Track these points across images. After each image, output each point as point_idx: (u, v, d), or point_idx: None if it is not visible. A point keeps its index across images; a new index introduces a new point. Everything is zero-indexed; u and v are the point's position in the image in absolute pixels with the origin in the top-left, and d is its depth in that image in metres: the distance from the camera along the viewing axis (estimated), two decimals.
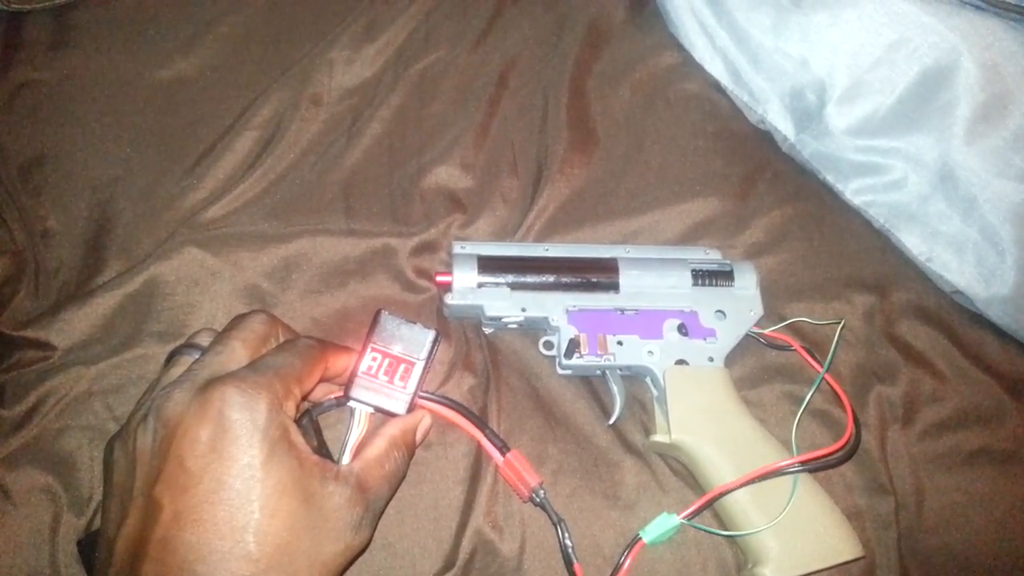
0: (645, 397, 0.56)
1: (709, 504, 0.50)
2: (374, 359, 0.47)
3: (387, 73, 0.67)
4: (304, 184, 0.61)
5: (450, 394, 0.52)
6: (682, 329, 0.55)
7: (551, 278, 0.56)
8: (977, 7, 0.57)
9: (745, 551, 0.50)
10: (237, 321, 0.44)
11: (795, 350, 0.57)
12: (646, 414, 0.55)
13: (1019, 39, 0.56)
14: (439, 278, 0.55)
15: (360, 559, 0.45)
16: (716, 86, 0.68)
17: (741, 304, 0.56)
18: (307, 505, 0.38)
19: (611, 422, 0.53)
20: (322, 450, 0.46)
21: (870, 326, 0.59)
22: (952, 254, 0.60)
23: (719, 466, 0.50)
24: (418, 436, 0.48)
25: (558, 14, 0.71)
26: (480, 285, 0.55)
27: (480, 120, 0.65)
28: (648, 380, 0.55)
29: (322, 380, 0.45)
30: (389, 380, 0.47)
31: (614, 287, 0.56)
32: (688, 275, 0.57)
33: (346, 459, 0.45)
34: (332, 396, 0.49)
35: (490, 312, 0.54)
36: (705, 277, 0.57)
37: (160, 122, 0.63)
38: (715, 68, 0.68)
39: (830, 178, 0.64)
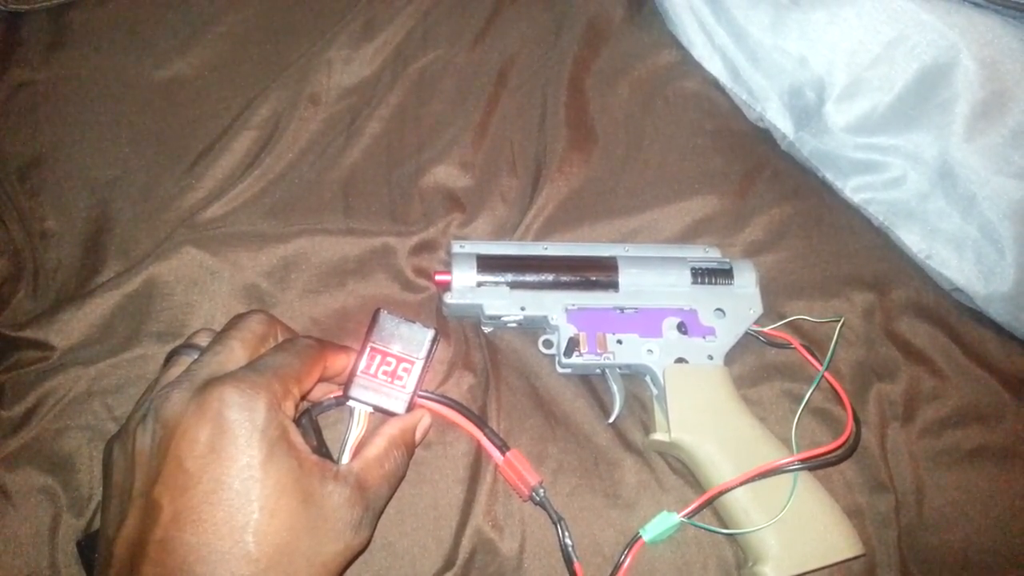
0: (645, 396, 0.55)
1: (709, 502, 0.50)
2: (373, 358, 0.47)
3: (386, 72, 0.66)
4: (303, 183, 0.61)
5: (449, 393, 0.52)
6: (681, 327, 0.55)
7: (550, 277, 0.56)
8: (976, 4, 0.57)
9: (745, 549, 0.50)
10: (236, 321, 0.44)
11: (795, 348, 0.57)
12: (646, 413, 0.55)
13: (1018, 36, 0.56)
14: (438, 277, 0.55)
15: (360, 559, 0.45)
16: (715, 84, 0.68)
17: (740, 302, 0.56)
18: (306, 505, 0.38)
19: (611, 421, 0.53)
20: (321, 450, 0.46)
21: (870, 324, 0.59)
22: (951, 251, 0.60)
23: (719, 464, 0.50)
24: (417, 435, 0.48)
25: (557, 13, 0.71)
26: (479, 284, 0.55)
27: (479, 119, 0.65)
28: (648, 379, 0.55)
29: (321, 380, 0.45)
30: (388, 379, 0.47)
31: (613, 286, 0.56)
32: (687, 273, 0.57)
33: (345, 459, 0.45)
34: (331, 395, 0.49)
35: (489, 311, 0.54)
36: (704, 275, 0.57)
37: (158, 122, 0.63)
38: (714, 66, 0.68)
39: (829, 176, 0.64)
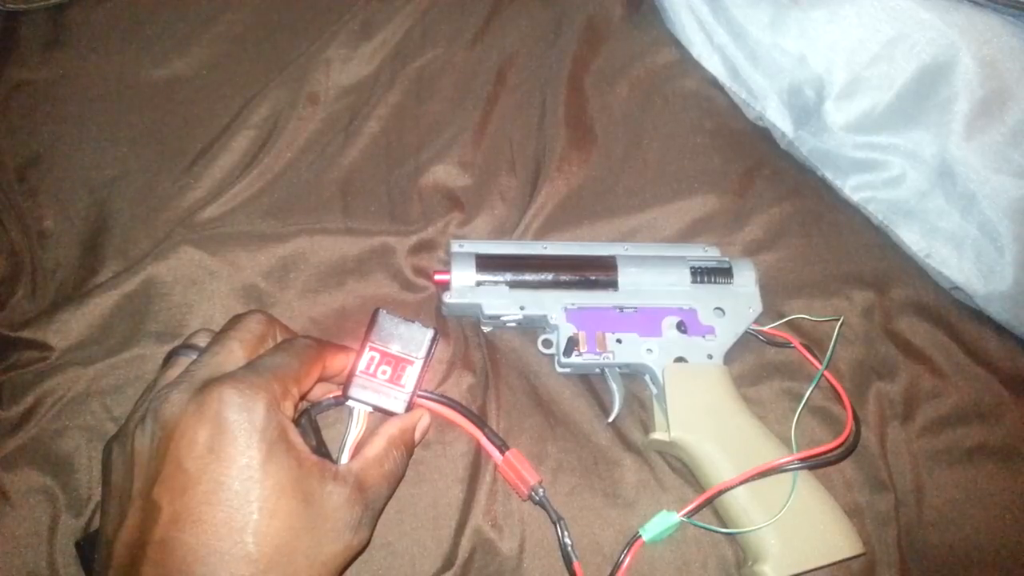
0: (644, 395, 0.55)
1: (709, 502, 0.50)
2: (372, 358, 0.47)
3: (384, 71, 0.66)
4: (302, 183, 0.61)
5: (449, 393, 0.52)
6: (681, 326, 0.55)
7: (550, 276, 0.56)
8: (976, 3, 0.57)
9: (745, 548, 0.50)
10: (234, 321, 0.44)
11: (794, 347, 0.57)
12: (645, 412, 0.55)
13: (1017, 35, 0.56)
14: (437, 277, 0.55)
15: (360, 558, 0.45)
16: (714, 83, 0.68)
17: (740, 301, 0.56)
18: (306, 505, 0.38)
19: (610, 420, 0.53)
20: (321, 450, 0.46)
21: (869, 322, 0.59)
22: (951, 250, 0.60)
23: (718, 464, 0.50)
24: (417, 435, 0.48)
25: (556, 12, 0.71)
26: (478, 283, 0.55)
27: (478, 118, 0.65)
28: (647, 378, 0.55)
29: (320, 380, 0.45)
30: (388, 379, 0.47)
31: (613, 285, 0.56)
32: (687, 272, 0.57)
33: (345, 459, 0.45)
34: (331, 395, 0.49)
35: (489, 310, 0.54)
36: (704, 274, 0.57)
37: (157, 122, 0.63)
38: (713, 65, 0.68)
39: (828, 174, 0.64)
